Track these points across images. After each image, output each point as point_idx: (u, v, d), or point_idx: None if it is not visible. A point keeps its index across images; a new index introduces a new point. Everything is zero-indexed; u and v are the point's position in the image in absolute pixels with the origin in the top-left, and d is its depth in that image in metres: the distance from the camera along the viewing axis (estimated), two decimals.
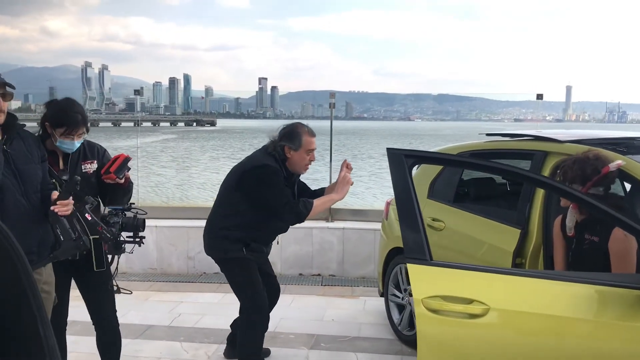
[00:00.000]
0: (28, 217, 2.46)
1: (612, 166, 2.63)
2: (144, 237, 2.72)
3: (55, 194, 2.49)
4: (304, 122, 3.52)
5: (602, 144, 3.12)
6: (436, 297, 2.26)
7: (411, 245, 2.34)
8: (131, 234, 2.72)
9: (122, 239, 2.66)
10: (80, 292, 3.03)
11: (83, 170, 2.84)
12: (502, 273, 2.36)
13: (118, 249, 2.66)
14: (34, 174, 2.55)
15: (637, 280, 2.14)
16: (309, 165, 3.44)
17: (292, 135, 3.36)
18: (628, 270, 2.50)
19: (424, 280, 2.31)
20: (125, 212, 2.66)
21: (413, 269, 2.31)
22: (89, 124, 2.87)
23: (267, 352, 3.98)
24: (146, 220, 2.78)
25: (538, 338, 2.19)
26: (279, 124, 3.56)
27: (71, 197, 2.48)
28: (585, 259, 2.68)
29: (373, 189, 14.56)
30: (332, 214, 6.38)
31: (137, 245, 2.68)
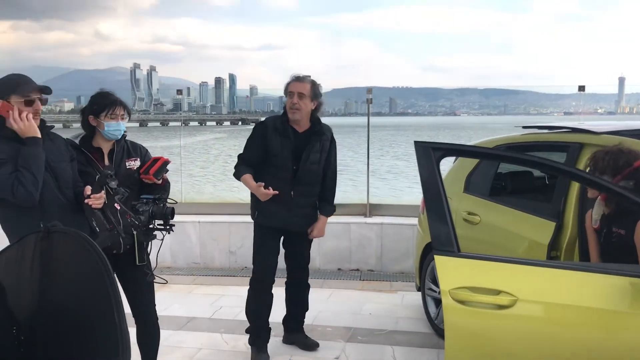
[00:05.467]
0: (66, 210, 2.64)
1: None
2: (174, 225, 2.81)
3: (88, 189, 2.63)
4: (297, 74, 3.73)
5: None
6: (463, 288, 2.28)
7: (439, 238, 2.37)
8: (162, 222, 2.84)
9: (152, 226, 2.77)
10: (122, 285, 3.15)
11: (127, 167, 2.99)
12: (530, 264, 2.35)
13: (148, 236, 2.80)
14: (66, 171, 2.74)
15: None
16: (293, 109, 3.60)
17: (285, 88, 3.69)
18: None
19: (451, 272, 2.33)
20: (157, 201, 2.77)
21: (440, 261, 2.34)
22: (129, 110, 3.06)
23: (316, 344, 4.10)
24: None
25: (566, 329, 2.19)
26: (324, 121, 3.80)
27: (103, 191, 2.62)
28: (613, 252, 2.63)
29: (413, 185, 14.42)
30: (370, 210, 6.41)
31: (167, 233, 2.79)
